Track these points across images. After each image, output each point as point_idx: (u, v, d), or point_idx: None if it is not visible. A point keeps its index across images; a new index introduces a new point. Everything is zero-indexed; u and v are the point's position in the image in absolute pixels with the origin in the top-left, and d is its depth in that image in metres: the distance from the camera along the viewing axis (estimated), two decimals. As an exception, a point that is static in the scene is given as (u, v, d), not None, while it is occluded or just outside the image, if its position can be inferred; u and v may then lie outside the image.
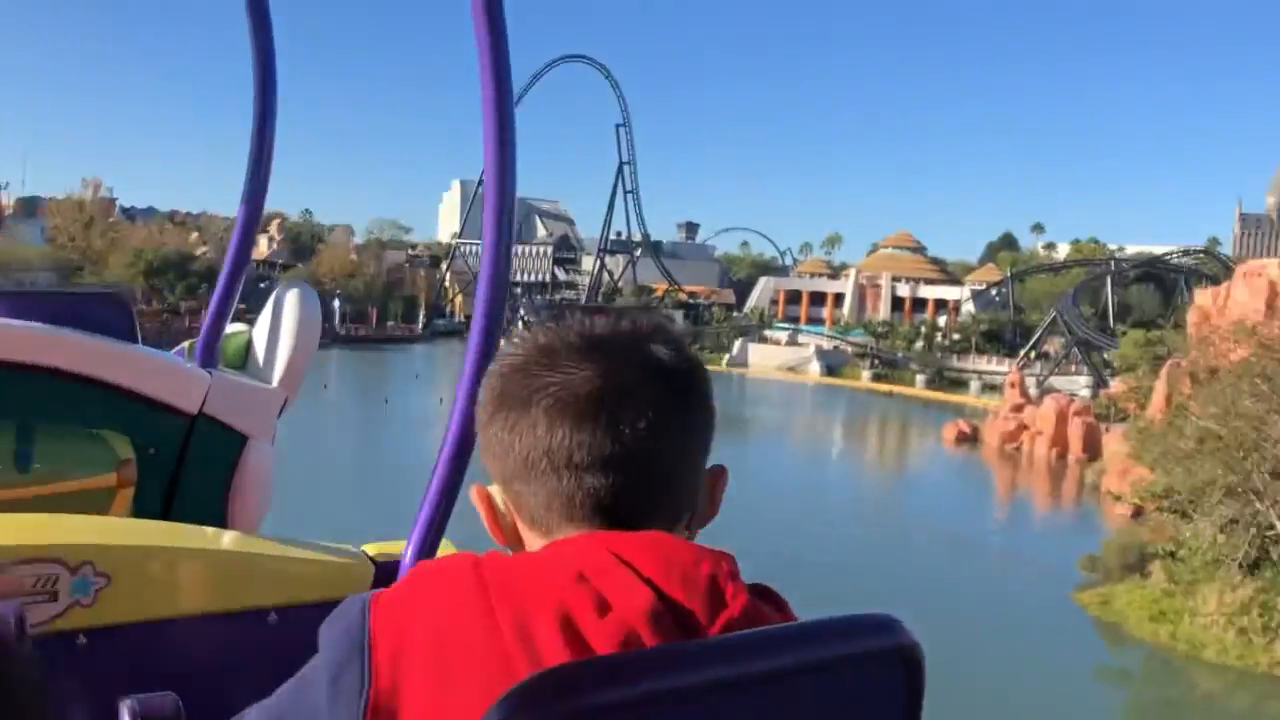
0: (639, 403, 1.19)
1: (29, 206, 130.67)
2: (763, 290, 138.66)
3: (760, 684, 0.97)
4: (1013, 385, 69.36)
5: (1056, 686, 25.07)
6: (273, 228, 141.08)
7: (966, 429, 66.07)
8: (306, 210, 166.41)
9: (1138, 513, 44.49)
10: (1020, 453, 62.26)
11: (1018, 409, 65.89)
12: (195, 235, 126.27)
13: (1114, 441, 56.06)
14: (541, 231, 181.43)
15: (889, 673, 1.07)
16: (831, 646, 1.02)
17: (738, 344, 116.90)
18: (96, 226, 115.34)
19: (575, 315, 1.30)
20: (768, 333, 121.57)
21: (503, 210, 2.56)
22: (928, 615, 28.77)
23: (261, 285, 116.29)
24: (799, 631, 1.04)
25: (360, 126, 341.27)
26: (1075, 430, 60.04)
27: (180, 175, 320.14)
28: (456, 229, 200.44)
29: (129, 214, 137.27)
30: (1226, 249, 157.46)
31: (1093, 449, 58.78)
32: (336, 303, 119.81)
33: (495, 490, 1.31)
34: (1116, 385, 74.67)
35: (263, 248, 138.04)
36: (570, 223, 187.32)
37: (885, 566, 34.69)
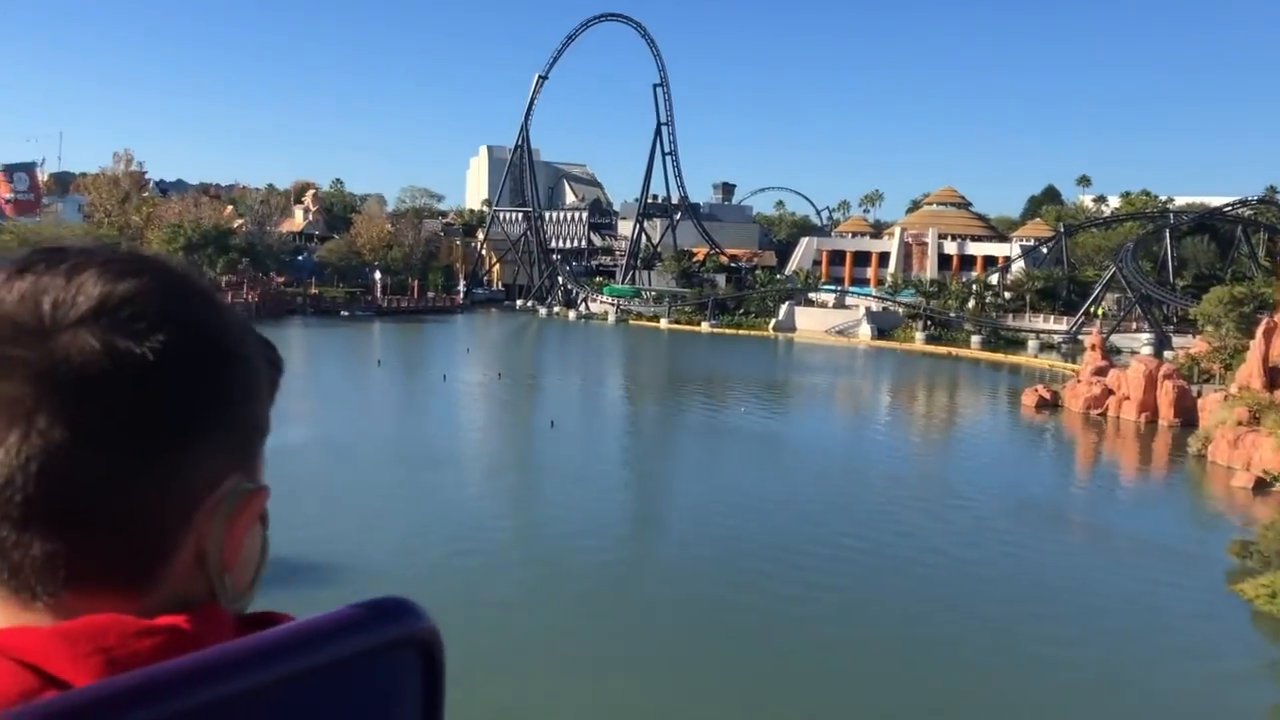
0: (31, 425, 0.83)
1: (61, 183, 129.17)
2: (805, 251, 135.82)
3: (253, 699, 0.82)
4: (1093, 347, 66.58)
5: (1238, 693, 22.92)
6: (307, 199, 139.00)
7: (1046, 394, 63.49)
8: (337, 180, 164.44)
9: (1259, 486, 42.15)
10: (1105, 419, 59.72)
11: (1100, 372, 63.25)
12: (229, 209, 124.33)
13: (1213, 406, 53.52)
14: (571, 197, 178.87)
15: (405, 663, 0.95)
16: (336, 644, 0.87)
17: (784, 308, 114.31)
18: (132, 201, 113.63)
19: None
20: (813, 295, 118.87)
21: None
22: (1074, 612, 26.79)
23: (300, 257, 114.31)
24: (292, 636, 0.88)
25: (384, 92, 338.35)
26: (1166, 395, 57.45)
27: (207, 148, 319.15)
28: (485, 195, 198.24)
29: (161, 188, 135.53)
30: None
31: (1185, 414, 56.24)
32: (377, 274, 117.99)
33: None
34: (1198, 344, 71.92)
35: (298, 219, 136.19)
36: (599, 187, 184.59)
37: (1012, 558, 32.51)
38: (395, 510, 33.73)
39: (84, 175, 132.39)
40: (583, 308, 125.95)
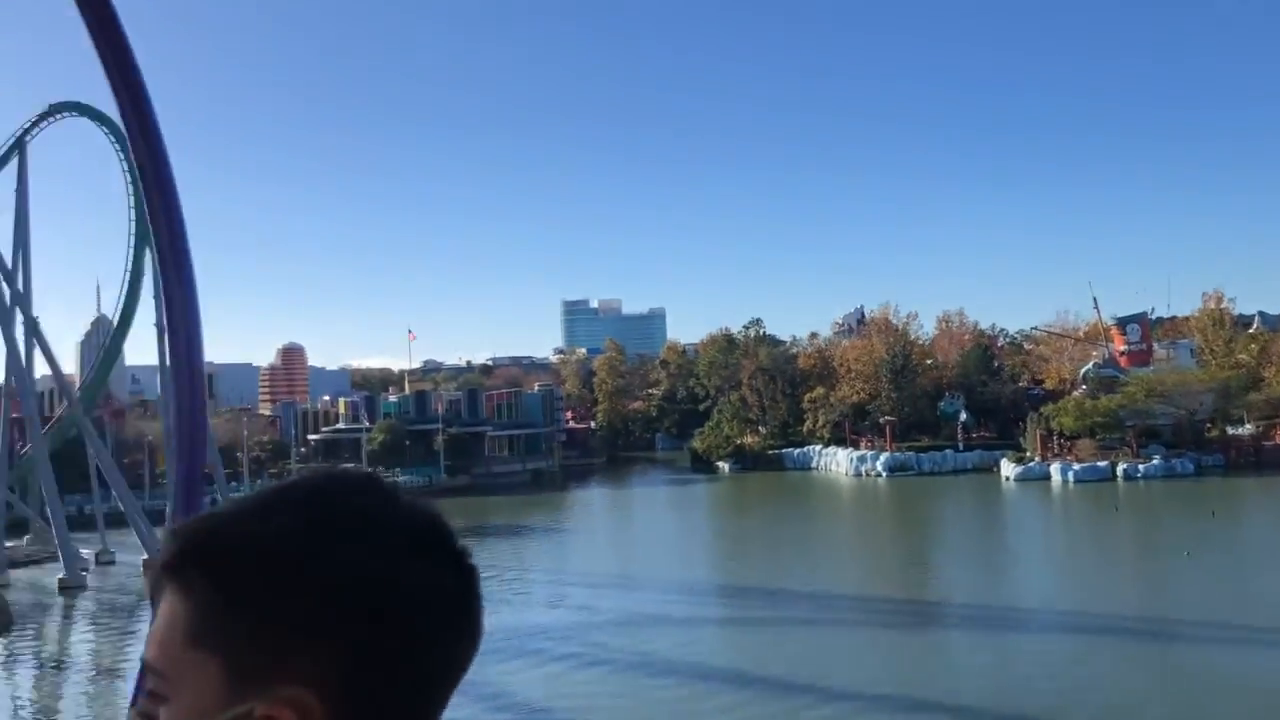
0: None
1: (1153, 328, 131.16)
2: None
3: None
4: None
5: None
6: None
7: None
8: None
9: None
10: None
11: None
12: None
13: None
14: None
15: None
16: None
17: None
18: (1238, 340, 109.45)
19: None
20: None
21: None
22: None
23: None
24: None
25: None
26: None
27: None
28: None
29: (1266, 321, 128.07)
30: None
31: None
32: None
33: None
34: None
35: None
36: None
37: None
38: None
39: (1171, 319, 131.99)
40: None
